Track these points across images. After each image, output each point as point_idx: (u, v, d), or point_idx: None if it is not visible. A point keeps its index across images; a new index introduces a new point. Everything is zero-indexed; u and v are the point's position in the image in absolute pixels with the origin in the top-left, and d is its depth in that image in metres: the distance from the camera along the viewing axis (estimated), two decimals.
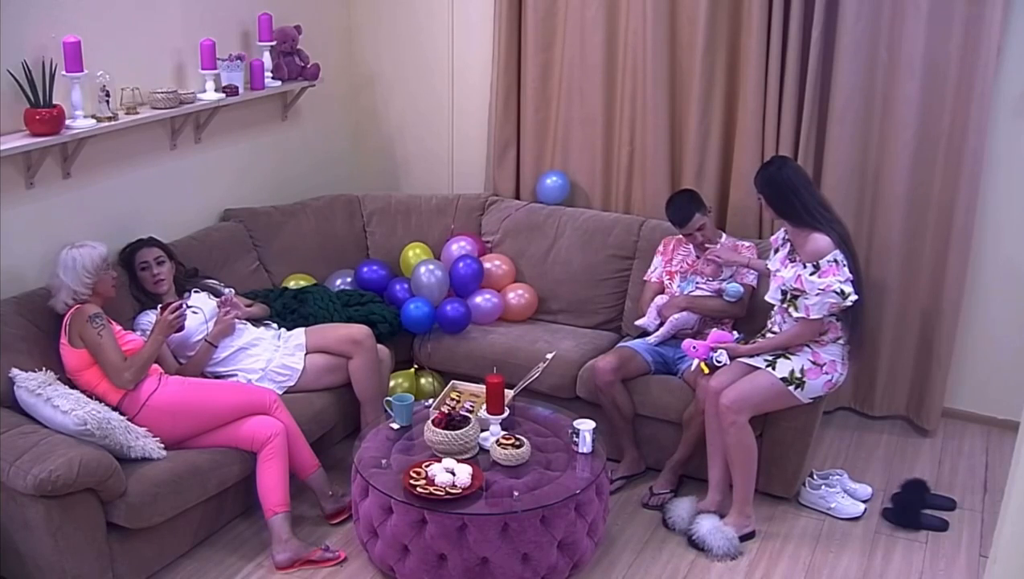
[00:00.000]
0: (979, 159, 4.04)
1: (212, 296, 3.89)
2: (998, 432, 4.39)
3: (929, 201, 4.19)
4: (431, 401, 3.76)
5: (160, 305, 3.57)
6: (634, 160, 4.61)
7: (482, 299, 4.46)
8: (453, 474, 3.17)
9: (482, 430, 3.46)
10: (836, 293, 3.43)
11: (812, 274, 3.46)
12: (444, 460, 3.26)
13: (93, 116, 3.61)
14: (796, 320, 3.55)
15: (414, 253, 4.65)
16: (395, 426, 3.59)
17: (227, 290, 3.98)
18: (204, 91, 4.13)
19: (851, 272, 3.47)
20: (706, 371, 3.64)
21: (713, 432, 3.63)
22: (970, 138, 4.02)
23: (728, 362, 3.60)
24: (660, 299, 4.10)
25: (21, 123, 3.43)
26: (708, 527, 3.55)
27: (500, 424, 3.49)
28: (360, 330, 3.92)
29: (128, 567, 3.23)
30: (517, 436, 3.40)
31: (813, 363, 3.56)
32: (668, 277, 4.15)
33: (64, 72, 3.47)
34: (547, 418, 3.70)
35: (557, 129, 4.77)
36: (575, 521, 3.23)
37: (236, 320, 3.81)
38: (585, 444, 3.43)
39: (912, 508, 3.74)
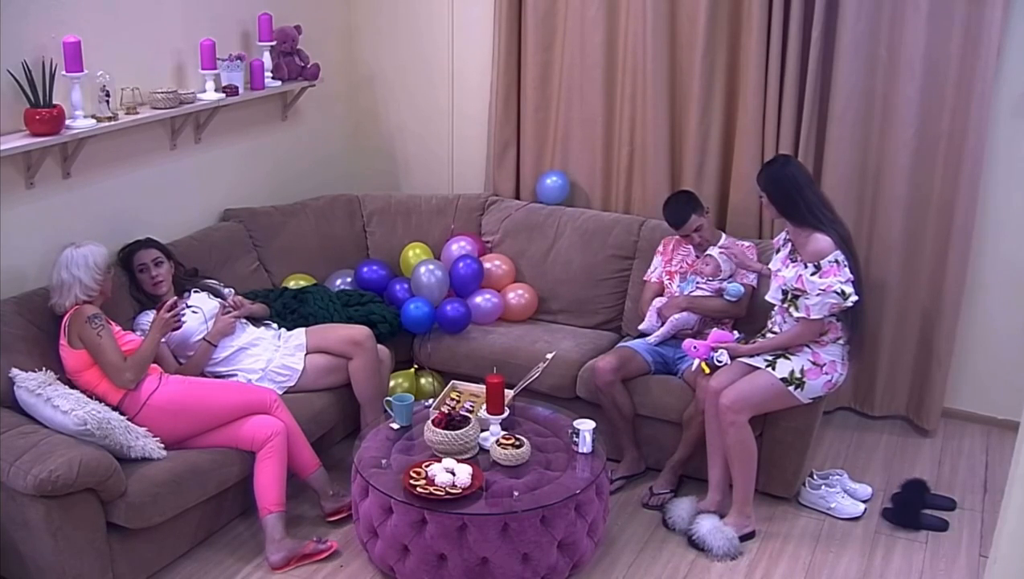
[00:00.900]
0: (979, 159, 4.04)
1: (212, 296, 3.88)
2: (998, 432, 4.39)
3: (929, 201, 4.18)
4: (431, 401, 3.76)
5: (158, 305, 3.57)
6: (634, 160, 4.60)
7: (482, 299, 4.46)
8: (453, 474, 3.17)
9: (482, 430, 3.46)
10: (837, 293, 3.43)
11: (813, 274, 3.46)
12: (444, 460, 3.26)
13: (93, 116, 3.61)
14: (796, 320, 3.56)
15: (414, 253, 4.65)
16: (395, 426, 3.59)
17: (227, 291, 3.98)
18: (204, 91, 4.13)
19: (852, 273, 3.47)
20: (707, 371, 3.64)
21: (713, 432, 3.63)
22: (970, 138, 4.01)
23: (729, 362, 3.60)
24: (659, 301, 4.10)
25: (21, 123, 3.43)
26: (708, 527, 3.55)
27: (500, 424, 3.49)
28: (361, 331, 3.92)
29: (128, 567, 3.23)
30: (517, 436, 3.40)
31: (813, 363, 3.56)
32: (668, 277, 4.15)
33: (64, 72, 3.47)
34: (547, 418, 3.70)
35: (557, 129, 4.77)
36: (575, 521, 3.23)
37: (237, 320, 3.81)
38: (585, 444, 3.42)
39: (912, 508, 3.73)
